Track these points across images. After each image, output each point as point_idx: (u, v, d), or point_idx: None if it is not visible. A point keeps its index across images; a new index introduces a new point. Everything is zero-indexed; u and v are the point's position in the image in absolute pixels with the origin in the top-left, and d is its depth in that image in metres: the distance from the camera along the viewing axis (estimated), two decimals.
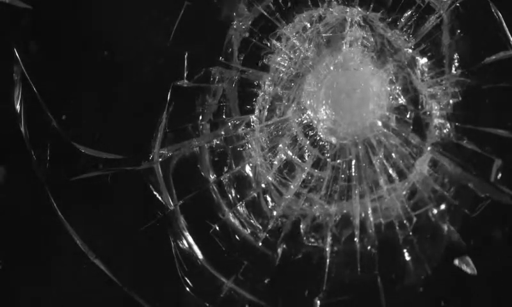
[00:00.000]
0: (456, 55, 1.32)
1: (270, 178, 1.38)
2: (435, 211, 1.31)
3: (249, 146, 1.38)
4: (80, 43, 1.38)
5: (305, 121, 1.39)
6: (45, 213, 1.32)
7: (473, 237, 1.29)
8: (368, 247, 1.32)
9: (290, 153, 1.39)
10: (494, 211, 1.27)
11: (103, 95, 1.38)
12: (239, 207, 1.36)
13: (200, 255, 1.32)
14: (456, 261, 1.27)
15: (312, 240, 1.34)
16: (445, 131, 1.32)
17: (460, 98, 1.32)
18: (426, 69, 1.34)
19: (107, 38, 1.38)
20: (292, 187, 1.38)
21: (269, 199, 1.37)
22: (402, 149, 1.36)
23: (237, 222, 1.35)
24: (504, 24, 1.26)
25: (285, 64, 1.39)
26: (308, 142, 1.39)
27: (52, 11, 1.37)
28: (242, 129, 1.38)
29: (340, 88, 1.36)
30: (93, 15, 1.39)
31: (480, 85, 1.29)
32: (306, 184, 1.38)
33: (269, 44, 1.37)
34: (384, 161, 1.36)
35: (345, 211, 1.35)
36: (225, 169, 1.37)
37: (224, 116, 1.37)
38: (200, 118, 1.36)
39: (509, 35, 1.26)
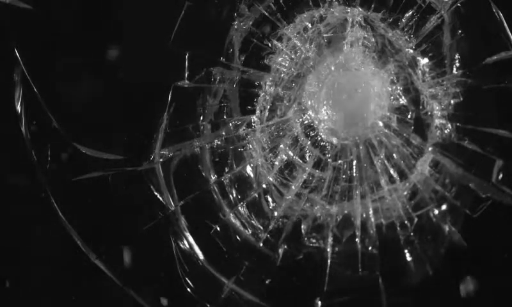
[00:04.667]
0: (456, 56, 1.32)
1: (271, 179, 1.38)
2: (436, 211, 1.31)
3: (250, 147, 1.38)
4: (81, 43, 1.38)
5: (306, 122, 1.39)
6: (45, 214, 1.31)
7: (474, 238, 1.29)
8: (370, 248, 1.32)
9: (291, 153, 1.39)
10: (495, 211, 1.27)
11: (104, 95, 1.37)
12: (239, 208, 1.36)
13: (200, 256, 1.32)
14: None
15: (313, 240, 1.34)
16: (446, 131, 1.32)
17: (461, 99, 1.32)
18: (427, 69, 1.34)
19: (108, 39, 1.38)
20: (293, 187, 1.37)
21: (270, 199, 1.37)
22: (403, 150, 1.36)
23: (238, 223, 1.35)
24: (505, 24, 1.26)
25: (286, 65, 1.38)
26: (309, 142, 1.39)
27: (52, 11, 1.37)
28: (243, 129, 1.38)
29: (341, 88, 1.36)
30: (93, 15, 1.39)
31: (481, 85, 1.29)
32: (307, 185, 1.38)
33: (270, 44, 1.37)
34: (386, 161, 1.36)
35: (346, 211, 1.35)
36: (226, 170, 1.36)
37: (225, 117, 1.37)
38: (201, 118, 1.36)
39: (510, 35, 1.26)
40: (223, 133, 1.37)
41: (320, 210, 1.35)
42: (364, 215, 1.34)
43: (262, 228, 1.35)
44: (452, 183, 1.31)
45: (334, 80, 1.37)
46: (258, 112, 1.38)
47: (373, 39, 1.36)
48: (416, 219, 1.32)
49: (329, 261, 1.32)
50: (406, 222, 1.32)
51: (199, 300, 1.30)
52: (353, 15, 1.36)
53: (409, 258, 1.31)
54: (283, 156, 1.39)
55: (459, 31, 1.31)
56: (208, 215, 1.34)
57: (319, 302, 1.30)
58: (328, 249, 1.33)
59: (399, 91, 1.36)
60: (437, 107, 1.33)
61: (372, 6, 1.34)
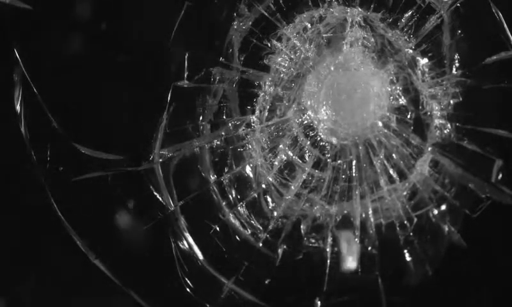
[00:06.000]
0: (456, 56, 1.32)
1: (270, 179, 1.38)
2: (436, 211, 1.31)
3: (250, 147, 1.38)
4: (81, 43, 1.38)
5: (306, 122, 1.39)
6: (45, 213, 1.31)
7: (474, 238, 1.29)
8: (369, 248, 1.32)
9: (290, 153, 1.39)
10: (495, 211, 1.27)
11: (103, 95, 1.37)
12: (239, 208, 1.36)
13: (200, 256, 1.32)
14: None
15: (313, 240, 1.34)
16: (445, 131, 1.32)
17: (461, 99, 1.32)
18: (427, 69, 1.34)
19: (108, 38, 1.38)
20: (292, 187, 1.37)
21: (269, 199, 1.37)
22: (403, 150, 1.36)
23: (237, 223, 1.35)
24: (505, 24, 1.26)
25: (286, 65, 1.38)
26: (308, 142, 1.39)
27: (52, 12, 1.37)
28: (243, 129, 1.38)
29: (341, 88, 1.36)
30: (93, 15, 1.39)
31: (481, 85, 1.29)
32: (307, 185, 1.38)
33: (269, 44, 1.37)
34: (385, 162, 1.36)
35: (345, 211, 1.35)
36: (226, 170, 1.36)
37: (224, 117, 1.37)
38: (201, 118, 1.36)
39: (510, 35, 1.26)
40: (223, 133, 1.37)
41: (319, 210, 1.36)
42: (363, 215, 1.34)
43: (261, 228, 1.35)
44: (451, 183, 1.31)
45: (333, 80, 1.37)
46: (257, 112, 1.38)
47: (372, 40, 1.36)
48: (415, 219, 1.32)
49: (328, 261, 1.32)
50: (405, 222, 1.32)
51: (199, 300, 1.30)
52: (353, 15, 1.36)
53: (408, 258, 1.31)
54: (283, 156, 1.39)
55: (459, 31, 1.31)
56: (208, 215, 1.34)
57: (319, 302, 1.30)
58: (328, 249, 1.33)
59: (398, 91, 1.36)
60: (436, 107, 1.33)
61: (372, 6, 1.34)
